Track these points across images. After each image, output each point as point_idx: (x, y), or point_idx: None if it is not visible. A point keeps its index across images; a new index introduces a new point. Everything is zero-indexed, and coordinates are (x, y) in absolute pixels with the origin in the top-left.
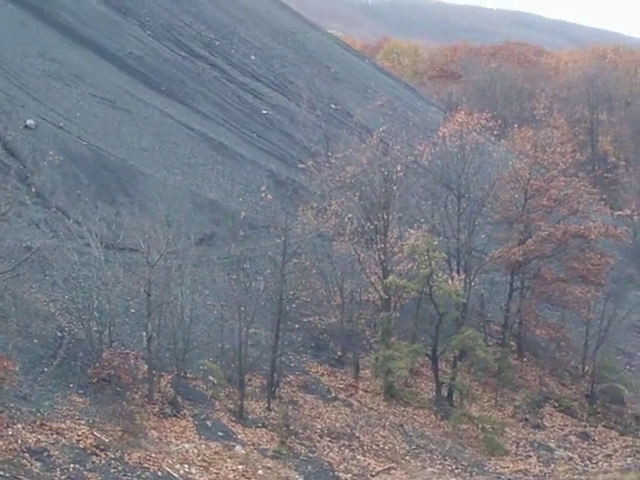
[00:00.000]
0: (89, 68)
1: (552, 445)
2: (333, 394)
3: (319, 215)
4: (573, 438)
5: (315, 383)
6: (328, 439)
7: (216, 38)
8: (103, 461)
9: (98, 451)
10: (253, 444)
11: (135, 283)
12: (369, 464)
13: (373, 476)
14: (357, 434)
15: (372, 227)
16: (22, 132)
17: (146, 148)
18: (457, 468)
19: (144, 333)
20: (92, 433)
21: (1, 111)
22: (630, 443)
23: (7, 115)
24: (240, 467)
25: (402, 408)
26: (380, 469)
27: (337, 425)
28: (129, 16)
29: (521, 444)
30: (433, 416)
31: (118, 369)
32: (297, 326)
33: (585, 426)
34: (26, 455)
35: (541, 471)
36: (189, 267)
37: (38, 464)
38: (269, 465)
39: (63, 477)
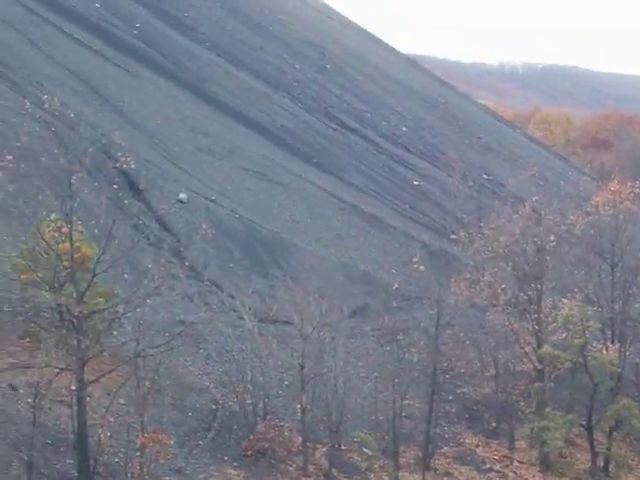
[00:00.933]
0: (240, 141)
1: None
2: (488, 465)
3: (472, 286)
4: None
5: (470, 454)
6: None
7: (367, 110)
8: None
9: None
10: None
11: (289, 356)
12: None
13: None
14: None
15: (525, 297)
16: (175, 206)
17: (298, 220)
18: None
19: (298, 405)
20: None
21: (154, 186)
22: None
23: (160, 189)
24: None
25: (558, 479)
26: None
27: None
28: (280, 89)
29: None
30: None
31: (273, 442)
32: (451, 397)
33: None
34: None
35: None
36: (342, 339)
37: None
38: None
39: None
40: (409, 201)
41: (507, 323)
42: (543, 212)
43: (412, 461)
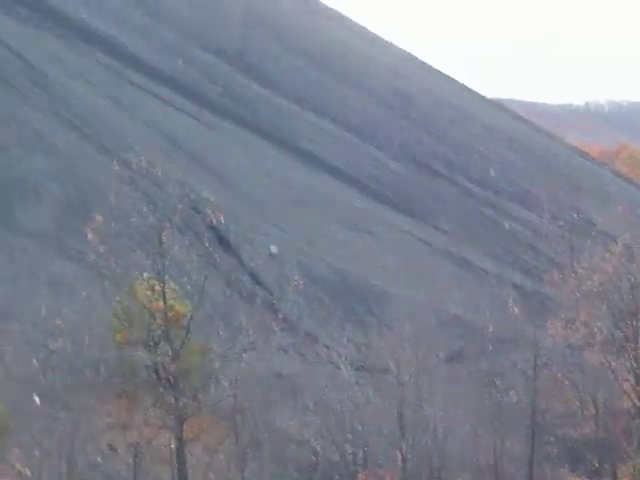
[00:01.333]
0: (328, 192)
1: None
2: None
3: (568, 326)
4: None
5: None
6: None
7: (454, 155)
8: None
9: None
10: None
11: (386, 403)
12: None
13: None
14: None
15: (622, 334)
16: (266, 259)
17: (389, 267)
18: None
19: (398, 452)
20: None
21: (245, 240)
22: None
23: (251, 244)
24: None
25: None
26: None
27: None
28: (365, 138)
29: None
30: None
31: None
32: (552, 438)
33: None
34: None
35: None
36: (439, 384)
37: None
38: None
39: None
40: (500, 243)
41: (604, 361)
42: (635, 249)
43: None
